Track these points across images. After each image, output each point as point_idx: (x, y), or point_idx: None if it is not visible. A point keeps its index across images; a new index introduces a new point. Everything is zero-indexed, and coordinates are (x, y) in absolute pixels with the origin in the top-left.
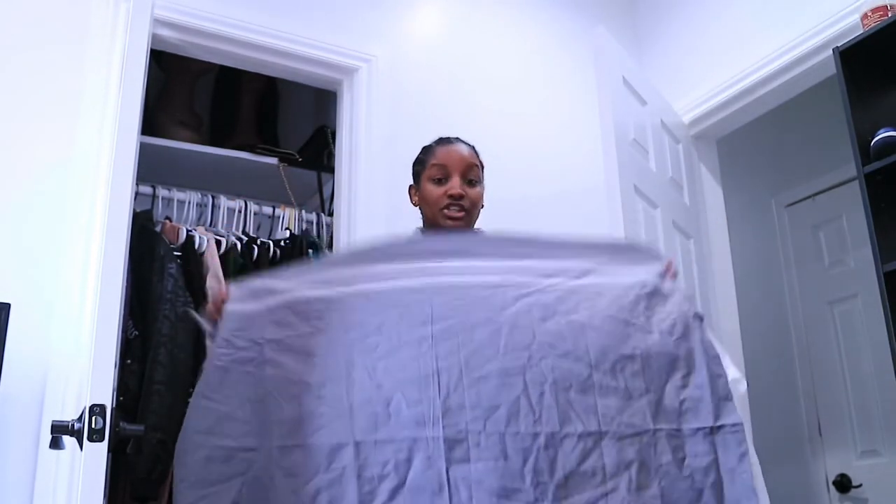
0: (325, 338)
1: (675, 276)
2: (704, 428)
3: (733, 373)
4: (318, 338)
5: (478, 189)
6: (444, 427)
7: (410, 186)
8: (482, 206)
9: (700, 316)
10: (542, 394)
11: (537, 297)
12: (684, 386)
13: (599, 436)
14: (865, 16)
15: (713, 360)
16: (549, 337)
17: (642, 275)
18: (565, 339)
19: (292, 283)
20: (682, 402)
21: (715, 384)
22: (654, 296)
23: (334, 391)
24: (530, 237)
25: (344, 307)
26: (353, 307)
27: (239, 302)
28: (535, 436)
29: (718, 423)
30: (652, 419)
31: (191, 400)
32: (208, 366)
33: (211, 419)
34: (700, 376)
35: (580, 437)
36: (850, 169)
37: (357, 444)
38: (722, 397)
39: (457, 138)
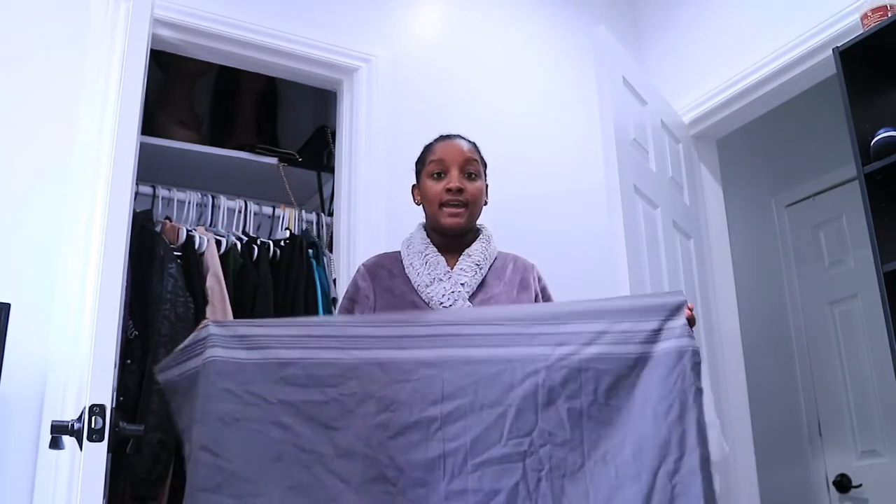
0: (339, 409)
1: (692, 323)
2: None
3: (717, 439)
4: (332, 408)
5: (478, 184)
6: None
7: (413, 186)
8: (485, 203)
9: (700, 390)
10: (538, 481)
11: (545, 377)
12: (676, 470)
13: None
14: (865, 16)
15: (704, 442)
16: (549, 425)
17: (649, 340)
18: (563, 428)
19: (291, 333)
20: (673, 487)
21: (705, 468)
22: (657, 369)
23: (346, 466)
24: (544, 311)
25: (358, 376)
26: (367, 378)
27: (229, 348)
28: None
29: None
30: (644, 502)
31: (192, 452)
32: (209, 416)
33: (219, 477)
34: (692, 460)
35: None
36: (850, 169)
37: None
38: (709, 481)
39: (457, 135)
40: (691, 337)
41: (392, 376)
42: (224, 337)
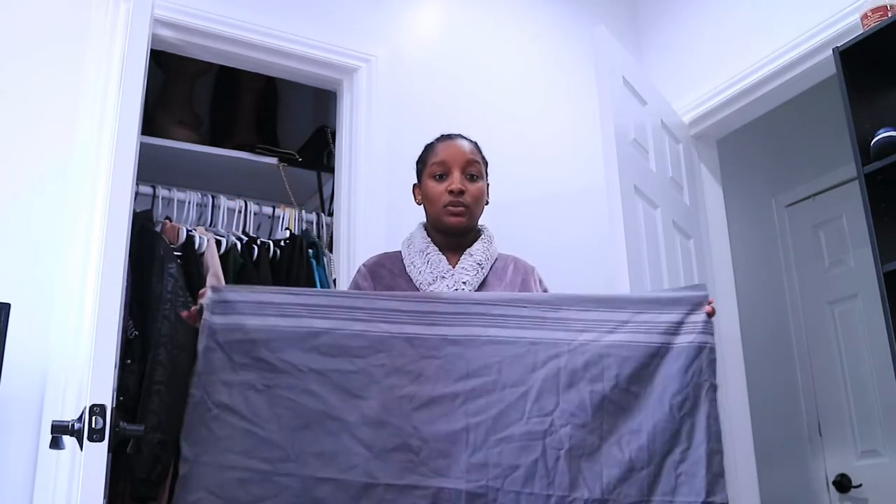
0: (367, 380)
1: (712, 313)
2: (696, 502)
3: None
4: (359, 378)
5: (479, 184)
6: (467, 481)
7: (414, 186)
8: (486, 203)
9: (715, 386)
10: (557, 459)
11: (567, 360)
12: (682, 461)
13: (602, 502)
14: (865, 16)
15: (714, 436)
16: (570, 406)
17: (670, 331)
18: (585, 410)
19: (323, 304)
20: (678, 476)
21: (711, 461)
22: (677, 361)
23: (371, 434)
24: (568, 297)
25: (387, 349)
26: (396, 351)
27: (261, 315)
28: (548, 497)
29: (709, 499)
30: (648, 491)
31: (219, 412)
32: (242, 384)
33: (249, 441)
34: (698, 452)
35: (586, 502)
36: (850, 169)
37: (387, 486)
38: (716, 473)
39: (458, 135)
40: (711, 333)
41: (419, 352)
42: (254, 304)
